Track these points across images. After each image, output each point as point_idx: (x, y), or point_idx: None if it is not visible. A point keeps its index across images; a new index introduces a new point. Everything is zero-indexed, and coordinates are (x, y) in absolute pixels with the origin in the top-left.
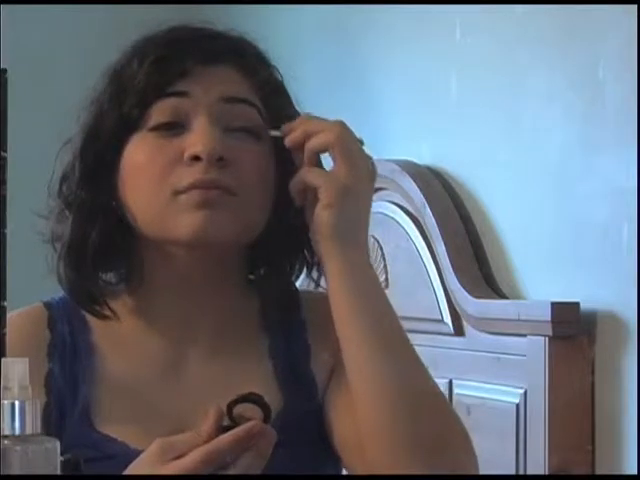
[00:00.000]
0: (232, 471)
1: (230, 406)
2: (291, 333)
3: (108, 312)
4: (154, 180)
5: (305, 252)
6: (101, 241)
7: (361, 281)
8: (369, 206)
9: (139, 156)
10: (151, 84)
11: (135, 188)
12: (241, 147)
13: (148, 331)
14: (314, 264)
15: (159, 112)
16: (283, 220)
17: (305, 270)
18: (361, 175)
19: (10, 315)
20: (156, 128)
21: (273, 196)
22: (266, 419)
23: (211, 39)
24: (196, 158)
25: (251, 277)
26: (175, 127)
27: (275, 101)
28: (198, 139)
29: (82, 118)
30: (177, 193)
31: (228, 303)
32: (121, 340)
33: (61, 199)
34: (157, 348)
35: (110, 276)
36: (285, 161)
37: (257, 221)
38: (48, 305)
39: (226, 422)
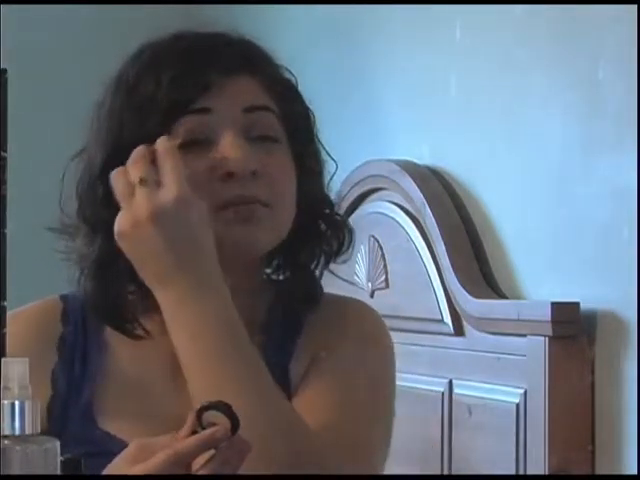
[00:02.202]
0: (200, 470)
1: (199, 413)
2: (286, 333)
3: (141, 332)
4: None
5: (323, 244)
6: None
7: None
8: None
9: None
10: (173, 102)
11: None
12: (268, 156)
13: (161, 334)
14: (331, 254)
15: (184, 129)
16: (303, 217)
17: (323, 261)
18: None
19: (25, 306)
20: (183, 145)
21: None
22: (233, 429)
23: (223, 48)
24: (230, 174)
25: (267, 271)
26: (201, 142)
27: (289, 102)
28: (230, 155)
29: (94, 134)
30: (215, 210)
31: (240, 302)
32: (132, 339)
33: (82, 220)
34: (167, 349)
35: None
36: (300, 157)
37: (288, 225)
38: (64, 298)
39: (197, 428)
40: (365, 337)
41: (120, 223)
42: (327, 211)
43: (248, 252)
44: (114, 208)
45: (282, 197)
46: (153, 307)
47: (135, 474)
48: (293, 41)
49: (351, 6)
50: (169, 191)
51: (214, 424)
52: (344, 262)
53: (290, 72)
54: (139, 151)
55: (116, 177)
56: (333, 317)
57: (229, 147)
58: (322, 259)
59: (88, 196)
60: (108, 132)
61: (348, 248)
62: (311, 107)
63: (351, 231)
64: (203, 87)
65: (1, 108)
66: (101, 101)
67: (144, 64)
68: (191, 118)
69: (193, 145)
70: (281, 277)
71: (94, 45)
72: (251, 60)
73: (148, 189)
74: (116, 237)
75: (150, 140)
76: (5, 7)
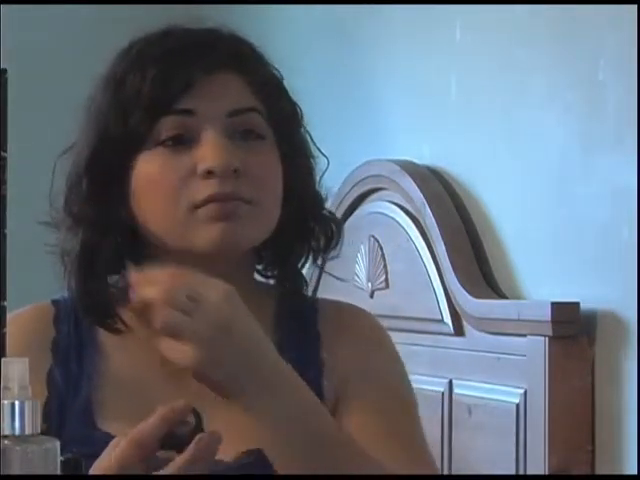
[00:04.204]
0: (166, 472)
1: None
2: (304, 345)
3: (121, 326)
4: (169, 194)
5: (312, 241)
6: (113, 254)
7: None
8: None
9: (152, 171)
10: (156, 100)
11: (150, 202)
12: (251, 153)
13: (154, 334)
14: (319, 251)
15: (167, 128)
16: (291, 213)
17: (311, 258)
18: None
19: (17, 311)
20: (165, 143)
21: (282, 187)
22: (198, 426)
23: (210, 45)
24: (210, 172)
25: (259, 267)
26: (184, 141)
27: (275, 99)
28: (210, 153)
29: (83, 129)
30: (195, 207)
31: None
32: (127, 341)
33: (68, 214)
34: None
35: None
36: (287, 154)
37: (273, 222)
38: (56, 302)
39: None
40: (387, 350)
41: (189, 358)
42: (316, 207)
43: (229, 248)
44: (97, 203)
45: (266, 194)
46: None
47: (106, 466)
48: (293, 41)
49: (351, 6)
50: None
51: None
52: (333, 259)
53: (277, 69)
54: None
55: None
56: (347, 328)
57: (210, 146)
58: (310, 256)
59: (74, 191)
60: (94, 128)
61: (337, 245)
62: (310, 106)
63: (340, 227)
64: (186, 85)
65: (1, 108)
66: (92, 96)
67: (131, 61)
68: (174, 118)
69: (176, 143)
70: (269, 273)
71: (94, 45)
72: (237, 57)
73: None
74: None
75: (134, 138)
76: (5, 7)
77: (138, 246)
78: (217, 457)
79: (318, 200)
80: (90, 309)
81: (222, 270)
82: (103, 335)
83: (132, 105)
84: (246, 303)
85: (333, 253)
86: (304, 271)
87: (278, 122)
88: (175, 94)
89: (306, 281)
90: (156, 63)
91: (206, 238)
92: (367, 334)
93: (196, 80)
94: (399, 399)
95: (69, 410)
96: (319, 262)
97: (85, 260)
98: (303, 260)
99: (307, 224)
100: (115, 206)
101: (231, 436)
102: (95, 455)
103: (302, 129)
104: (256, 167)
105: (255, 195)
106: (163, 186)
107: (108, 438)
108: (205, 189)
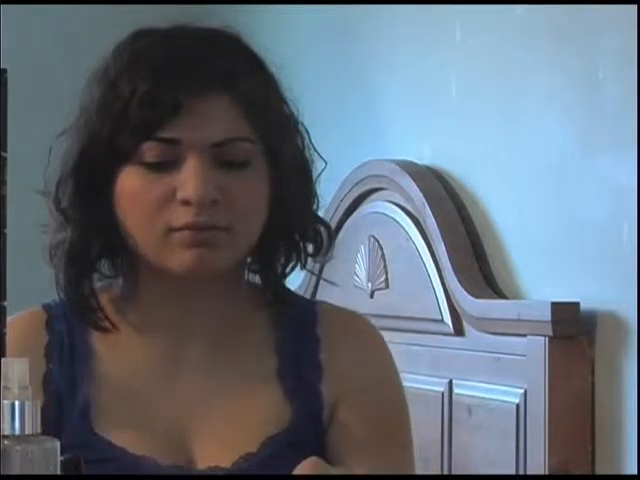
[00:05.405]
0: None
1: None
2: (303, 350)
3: (108, 325)
4: (147, 215)
5: (300, 244)
6: (100, 254)
7: None
8: None
9: (132, 188)
10: (143, 123)
11: (130, 218)
12: (234, 181)
13: (146, 336)
14: (307, 257)
15: (151, 154)
16: (276, 220)
17: (300, 263)
18: None
19: (9, 318)
20: (148, 164)
21: (267, 206)
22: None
23: (204, 60)
24: (187, 202)
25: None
26: (167, 165)
27: (266, 116)
28: (190, 183)
29: (76, 122)
30: (171, 231)
31: (227, 307)
32: (119, 343)
33: (57, 208)
34: (155, 353)
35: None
36: (277, 166)
37: (250, 245)
38: (47, 307)
39: None
40: (384, 356)
41: None
42: (304, 215)
43: (202, 273)
44: (83, 204)
45: (245, 221)
46: (119, 296)
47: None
48: (294, 41)
49: (352, 6)
50: None
51: None
52: (328, 261)
53: (275, 76)
54: None
55: None
56: (346, 332)
57: (191, 176)
58: (299, 262)
59: (63, 185)
60: (84, 129)
61: (327, 251)
62: (311, 106)
63: (330, 233)
64: (174, 108)
65: (1, 108)
66: (88, 85)
67: (126, 63)
68: (159, 145)
69: (159, 166)
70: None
71: (94, 45)
72: (231, 74)
73: None
74: None
75: (118, 153)
76: (5, 7)
77: (125, 250)
78: (214, 463)
79: (307, 207)
80: (77, 306)
81: (207, 284)
82: (95, 338)
83: (119, 120)
84: (239, 311)
85: (325, 258)
86: (300, 274)
87: (269, 140)
88: (162, 118)
89: (285, 286)
90: (147, 76)
91: (179, 262)
92: (366, 339)
93: (185, 103)
94: (394, 405)
95: (67, 415)
96: (308, 267)
97: (72, 257)
98: (292, 266)
99: (293, 233)
100: (101, 210)
101: (226, 441)
102: (95, 460)
103: (297, 136)
104: (237, 195)
105: (233, 222)
106: (142, 205)
107: (108, 444)
108: (182, 216)
